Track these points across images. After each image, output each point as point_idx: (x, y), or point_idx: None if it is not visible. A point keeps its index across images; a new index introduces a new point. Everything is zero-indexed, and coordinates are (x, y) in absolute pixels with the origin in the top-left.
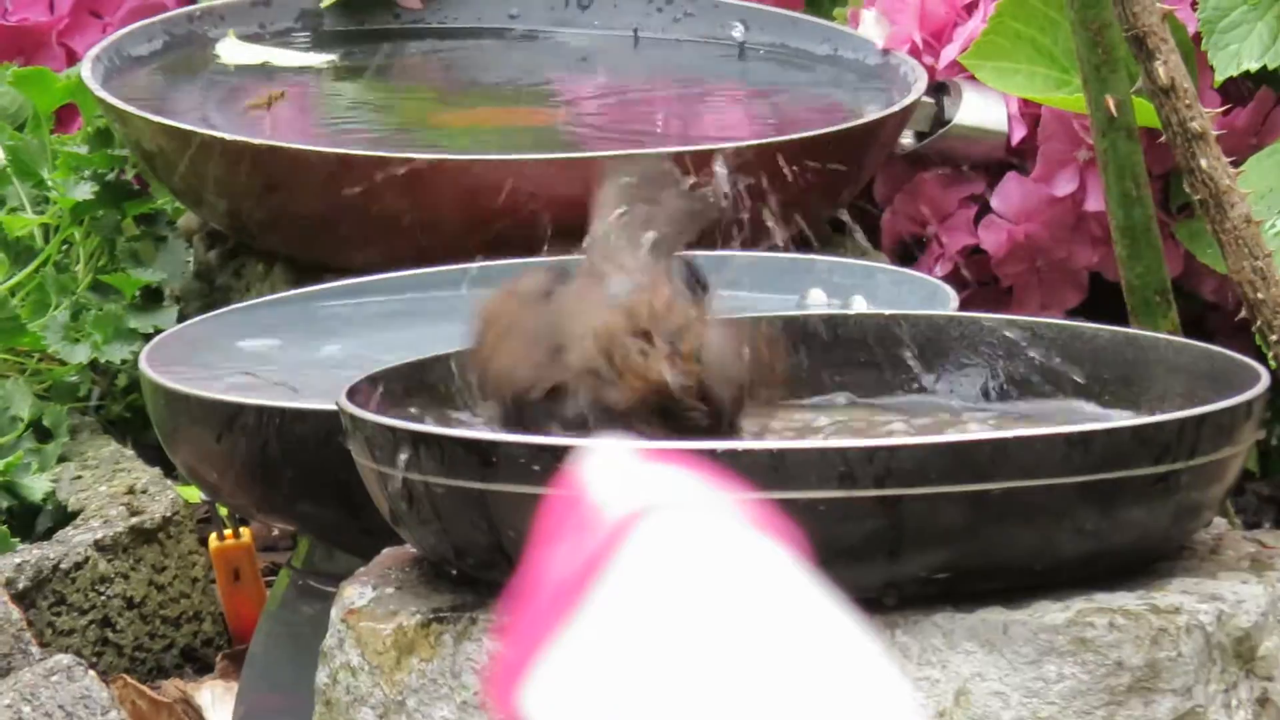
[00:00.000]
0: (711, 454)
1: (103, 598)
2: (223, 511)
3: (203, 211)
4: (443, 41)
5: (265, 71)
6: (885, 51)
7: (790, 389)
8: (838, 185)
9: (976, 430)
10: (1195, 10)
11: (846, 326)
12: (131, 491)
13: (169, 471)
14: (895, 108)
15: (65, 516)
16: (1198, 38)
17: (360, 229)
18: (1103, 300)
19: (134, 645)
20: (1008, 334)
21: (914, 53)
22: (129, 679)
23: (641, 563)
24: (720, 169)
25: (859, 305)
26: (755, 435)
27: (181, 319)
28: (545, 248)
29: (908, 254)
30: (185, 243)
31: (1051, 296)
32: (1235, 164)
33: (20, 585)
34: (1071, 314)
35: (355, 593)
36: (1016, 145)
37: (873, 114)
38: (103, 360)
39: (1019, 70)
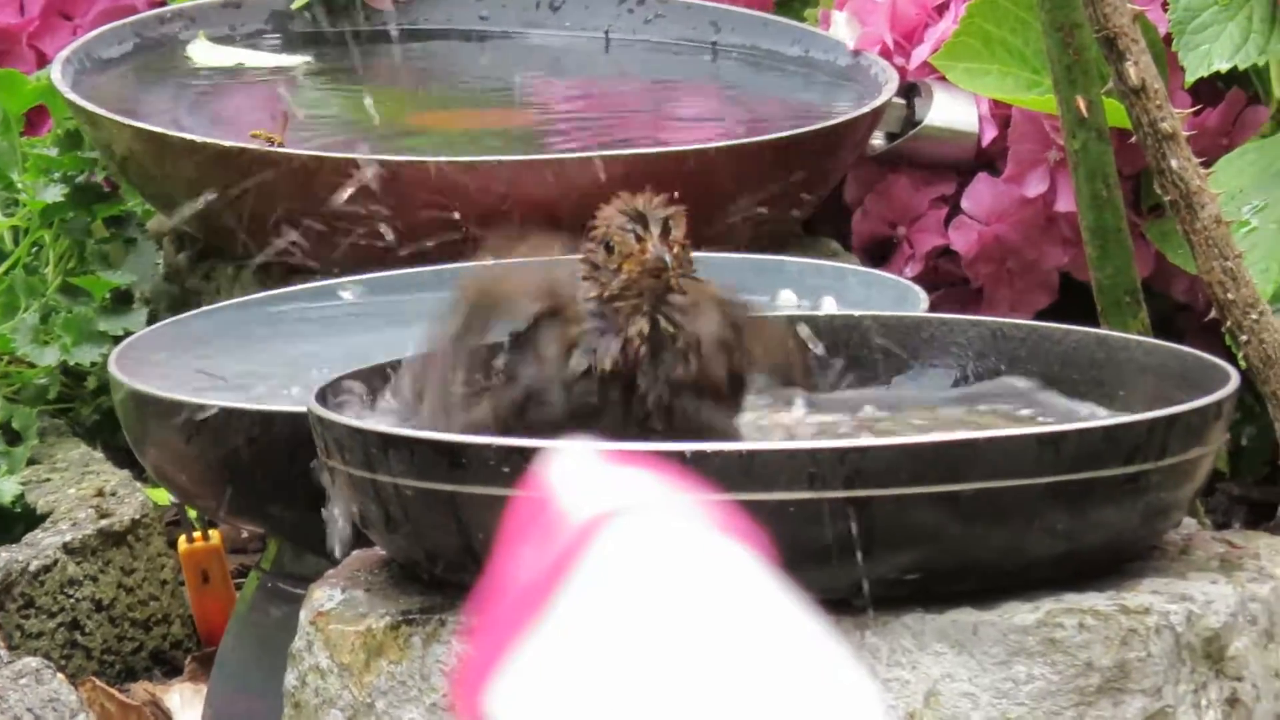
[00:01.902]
0: (680, 456)
1: (71, 600)
2: (192, 514)
3: (173, 214)
4: (413, 43)
5: (237, 73)
6: (856, 53)
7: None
8: (809, 187)
9: (947, 431)
10: (1166, 11)
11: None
12: (100, 494)
13: (138, 474)
14: (866, 109)
15: (34, 519)
16: (1168, 38)
17: (331, 231)
18: (1073, 301)
19: (103, 648)
20: (978, 335)
21: (885, 54)
22: (98, 681)
23: (608, 565)
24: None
25: (829, 306)
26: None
27: (151, 321)
28: (516, 249)
29: (879, 255)
30: (155, 245)
31: (1022, 297)
32: (1206, 164)
33: None
34: (1042, 315)
35: (324, 595)
36: (987, 146)
37: (843, 115)
38: (72, 363)
39: (990, 71)
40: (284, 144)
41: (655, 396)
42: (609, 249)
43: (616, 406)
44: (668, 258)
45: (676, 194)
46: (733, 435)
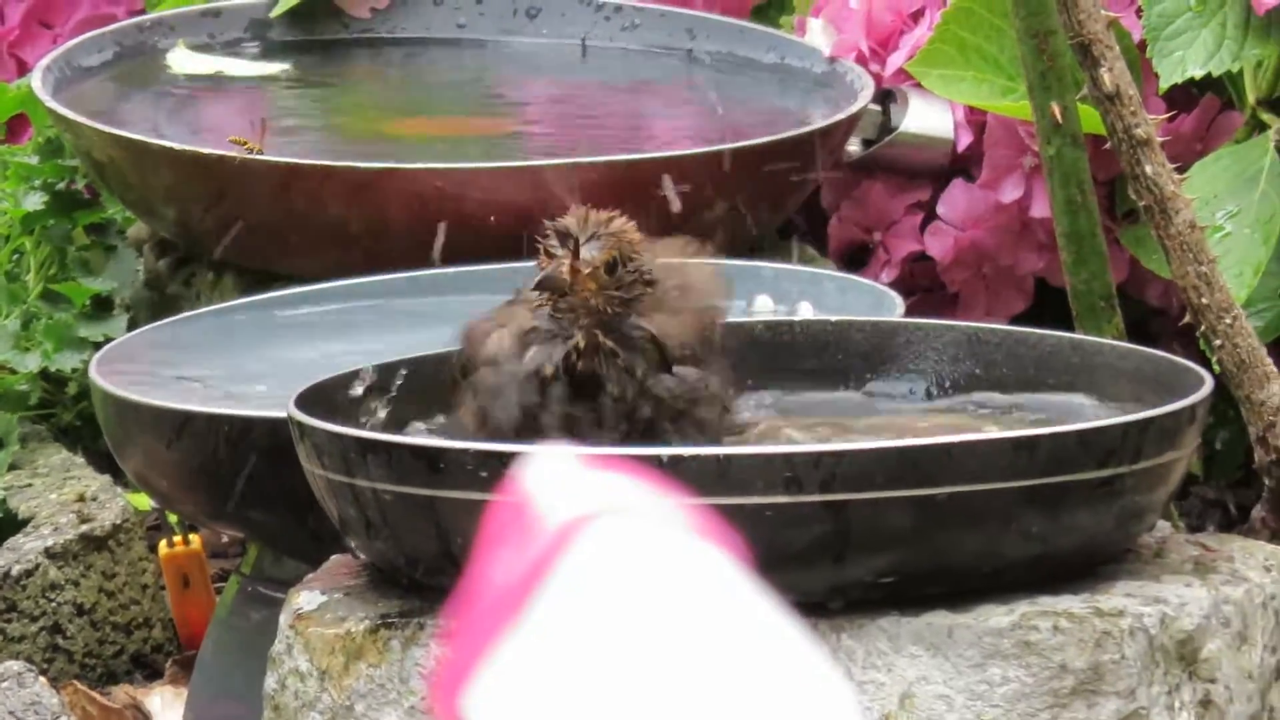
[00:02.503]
0: (658, 460)
1: (53, 604)
2: (172, 519)
3: (153, 221)
4: (392, 51)
5: (216, 81)
6: (832, 60)
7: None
8: (785, 193)
9: (922, 435)
10: (1140, 17)
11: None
12: (82, 499)
13: (119, 479)
14: (841, 115)
15: (16, 524)
16: (1143, 45)
17: (309, 238)
18: (1048, 306)
19: (84, 652)
20: (954, 339)
21: (860, 61)
22: (79, 685)
23: (585, 569)
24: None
25: (805, 311)
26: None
27: (131, 328)
28: (493, 255)
29: (854, 260)
30: (135, 252)
31: (997, 302)
32: (1180, 170)
33: None
34: (1017, 320)
35: (304, 599)
36: (963, 152)
37: (819, 122)
38: (53, 369)
39: (965, 78)
40: (263, 151)
41: (613, 404)
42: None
43: (568, 410)
44: (555, 278)
45: (652, 203)
46: (694, 438)
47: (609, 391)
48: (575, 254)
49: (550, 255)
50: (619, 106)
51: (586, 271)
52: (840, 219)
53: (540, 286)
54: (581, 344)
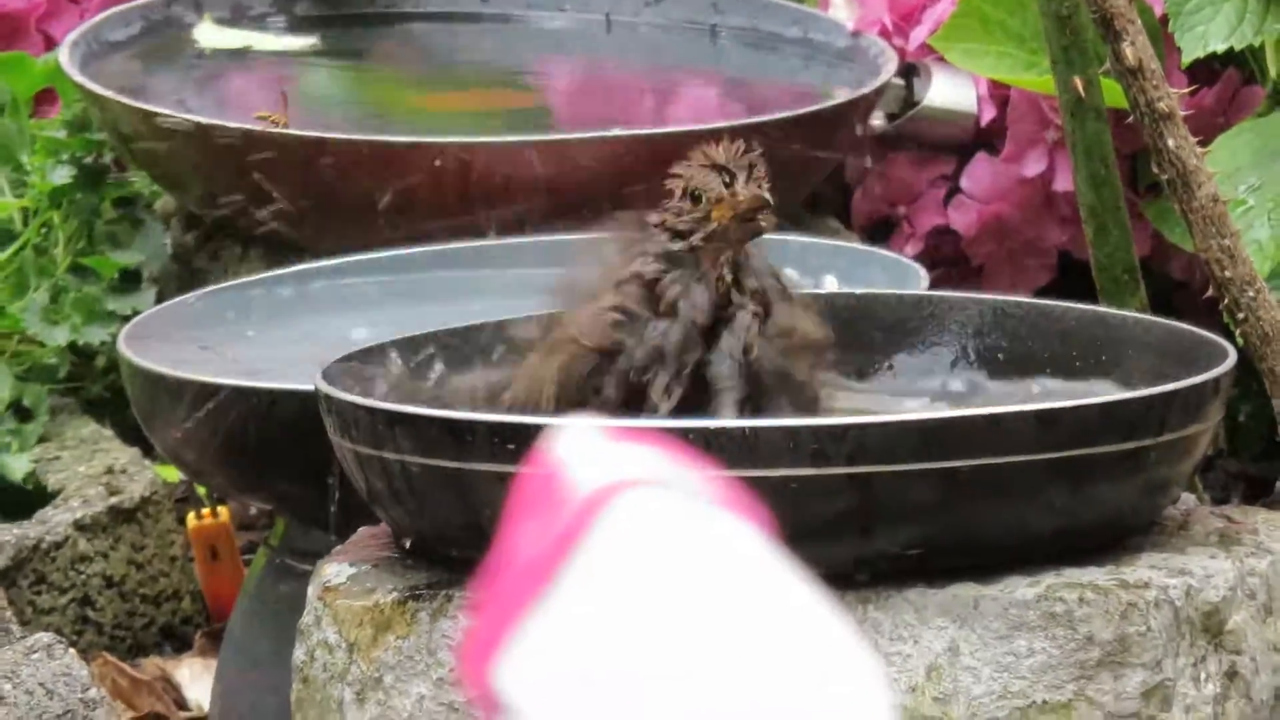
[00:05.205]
0: (684, 432)
1: (82, 577)
2: (201, 491)
3: (180, 195)
4: (416, 25)
5: (243, 56)
6: (855, 34)
7: None
8: (809, 167)
9: (948, 408)
10: None
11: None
12: (110, 471)
13: (147, 451)
14: (865, 90)
15: (45, 496)
16: (1164, 19)
17: (336, 211)
18: (1072, 279)
19: (113, 623)
20: (978, 313)
21: (884, 35)
22: (109, 657)
23: (613, 540)
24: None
25: (830, 285)
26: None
27: (159, 301)
28: (519, 228)
29: (879, 234)
30: (163, 225)
31: (1021, 276)
32: (1203, 144)
33: (0, 564)
34: (1041, 293)
35: (332, 571)
36: (986, 126)
37: (843, 96)
38: (81, 342)
39: (988, 52)
40: (288, 125)
41: (753, 348)
42: (695, 199)
43: (715, 356)
44: (765, 194)
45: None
46: (811, 387)
47: (736, 339)
48: (751, 175)
49: (706, 189)
50: (642, 81)
51: (743, 201)
52: (864, 193)
53: (746, 211)
54: (729, 276)
